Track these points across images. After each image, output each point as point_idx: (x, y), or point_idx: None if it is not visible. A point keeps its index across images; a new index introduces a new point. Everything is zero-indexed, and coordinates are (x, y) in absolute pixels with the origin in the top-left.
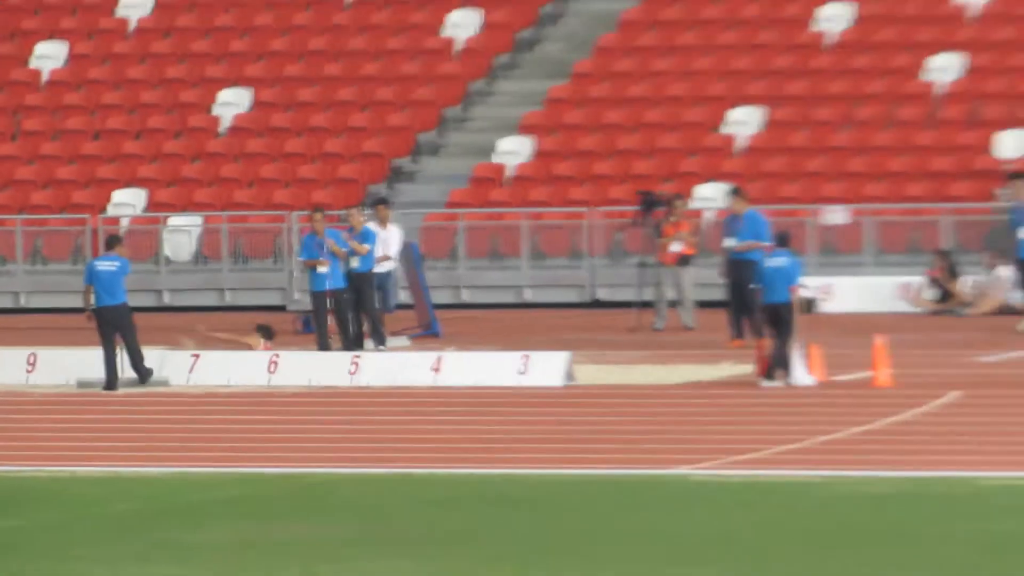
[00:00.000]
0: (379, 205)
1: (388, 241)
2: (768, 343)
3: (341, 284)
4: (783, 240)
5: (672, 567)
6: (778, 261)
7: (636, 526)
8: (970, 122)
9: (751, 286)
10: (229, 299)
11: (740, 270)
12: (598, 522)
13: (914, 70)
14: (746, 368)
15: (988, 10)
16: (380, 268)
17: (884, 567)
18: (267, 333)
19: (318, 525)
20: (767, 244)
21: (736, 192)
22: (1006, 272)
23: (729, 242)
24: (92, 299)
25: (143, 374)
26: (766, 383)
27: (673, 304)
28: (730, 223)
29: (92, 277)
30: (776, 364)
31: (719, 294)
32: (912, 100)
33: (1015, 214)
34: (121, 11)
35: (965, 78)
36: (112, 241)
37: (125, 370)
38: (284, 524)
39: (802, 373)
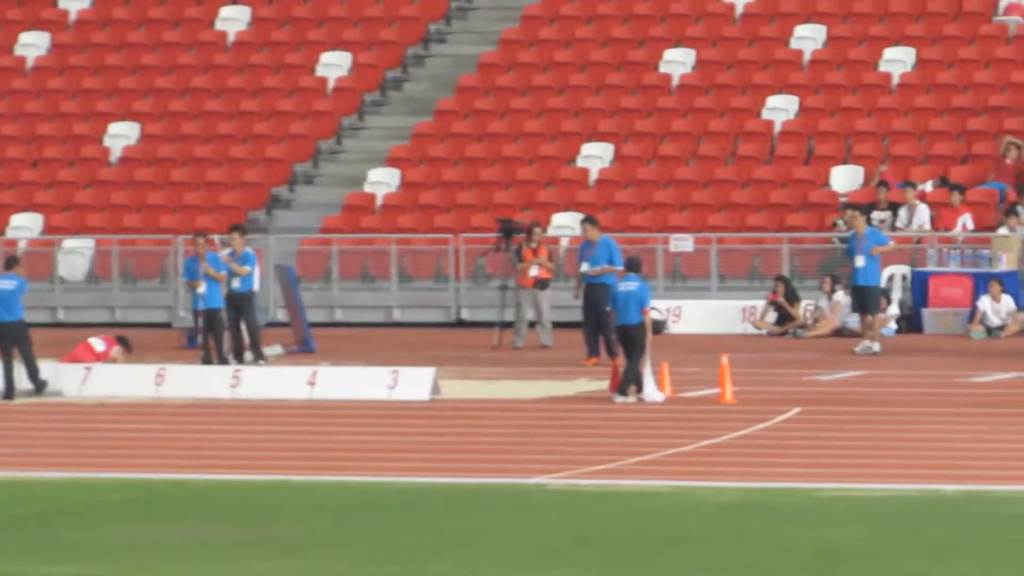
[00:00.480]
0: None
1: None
2: (621, 361)
3: (216, 304)
4: (634, 265)
5: (530, 568)
6: (629, 285)
7: (497, 530)
8: (805, 158)
9: (606, 308)
10: (119, 316)
11: (595, 293)
12: (462, 526)
13: (753, 110)
14: (600, 384)
15: (819, 55)
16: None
17: (725, 570)
18: (125, 344)
19: (202, 528)
20: (619, 269)
21: (589, 221)
22: (842, 297)
23: (584, 267)
24: None
25: (39, 385)
26: (619, 399)
27: (532, 324)
28: (584, 249)
29: None
30: (628, 381)
31: (575, 315)
32: (751, 137)
33: (850, 243)
34: (19, 50)
35: (800, 117)
36: (11, 261)
37: (22, 381)
38: (170, 526)
39: (653, 390)
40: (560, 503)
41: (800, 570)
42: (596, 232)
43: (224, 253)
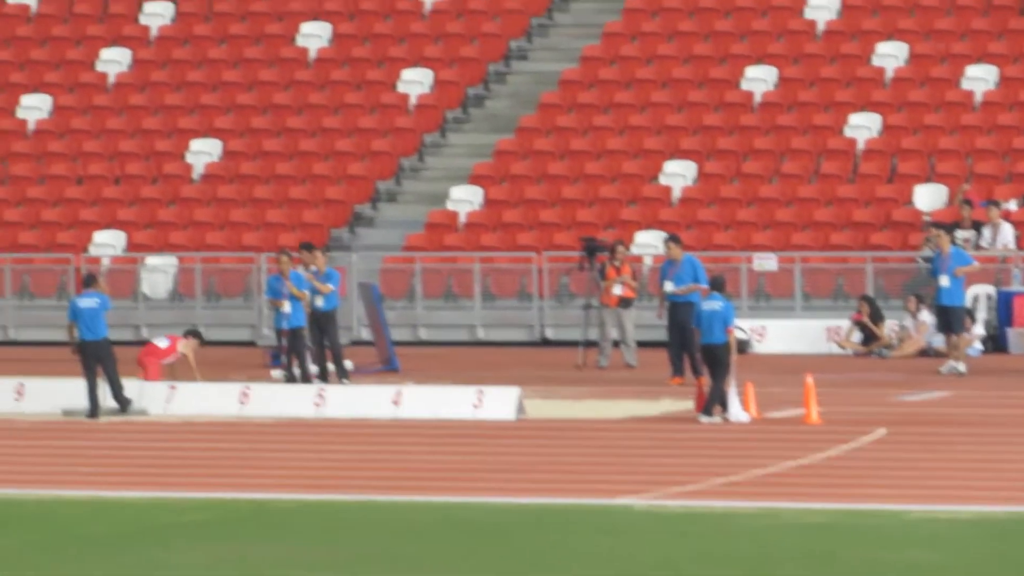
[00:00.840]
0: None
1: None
2: (706, 381)
3: (299, 323)
4: (718, 284)
5: None
6: (713, 304)
7: (582, 552)
8: (888, 176)
9: (690, 327)
10: (203, 334)
11: (679, 312)
12: (547, 548)
13: (836, 128)
14: (685, 404)
15: (901, 73)
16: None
17: None
18: (198, 336)
19: (284, 548)
20: (704, 287)
21: (672, 239)
22: (927, 317)
23: (669, 286)
24: (76, 334)
25: (123, 404)
26: (704, 418)
27: (616, 343)
28: (666, 268)
29: (75, 314)
30: (713, 401)
31: (659, 335)
32: (834, 155)
33: (935, 263)
34: (101, 66)
35: (882, 136)
36: (89, 280)
37: (107, 400)
38: (253, 546)
39: (738, 410)
40: (646, 524)
41: None
42: (679, 251)
43: (304, 271)
